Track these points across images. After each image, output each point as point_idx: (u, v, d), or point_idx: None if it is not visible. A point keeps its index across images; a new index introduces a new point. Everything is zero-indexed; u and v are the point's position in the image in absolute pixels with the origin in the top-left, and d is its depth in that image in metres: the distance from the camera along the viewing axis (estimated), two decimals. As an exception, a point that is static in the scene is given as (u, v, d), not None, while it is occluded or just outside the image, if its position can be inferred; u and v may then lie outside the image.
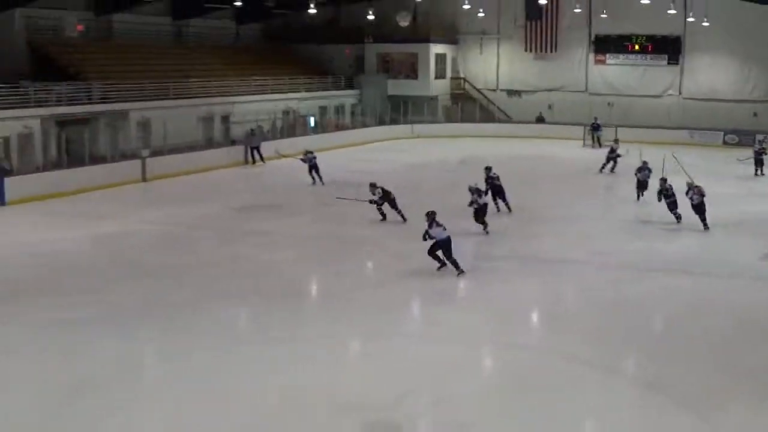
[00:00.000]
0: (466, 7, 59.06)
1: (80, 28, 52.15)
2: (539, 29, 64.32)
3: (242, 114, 54.61)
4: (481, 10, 61.58)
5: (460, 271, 24.83)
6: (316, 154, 42.87)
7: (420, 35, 65.35)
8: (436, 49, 66.37)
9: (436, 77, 66.60)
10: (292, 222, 32.56)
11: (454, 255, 24.65)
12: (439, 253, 24.74)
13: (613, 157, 44.59)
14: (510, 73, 66.89)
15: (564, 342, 19.64)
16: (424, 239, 24.71)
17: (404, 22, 63.64)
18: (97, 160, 42.85)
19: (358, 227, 31.89)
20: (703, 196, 29.72)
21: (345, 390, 16.39)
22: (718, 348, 19.31)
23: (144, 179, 43.13)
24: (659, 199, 31.20)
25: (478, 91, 67.37)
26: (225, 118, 54.50)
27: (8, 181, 36.75)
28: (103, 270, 26.43)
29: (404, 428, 15.03)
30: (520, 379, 17.36)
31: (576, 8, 61.16)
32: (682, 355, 18.76)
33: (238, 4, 55.80)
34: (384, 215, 31.81)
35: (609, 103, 62.30)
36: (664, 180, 31.26)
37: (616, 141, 46.62)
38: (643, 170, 35.60)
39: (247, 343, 19.80)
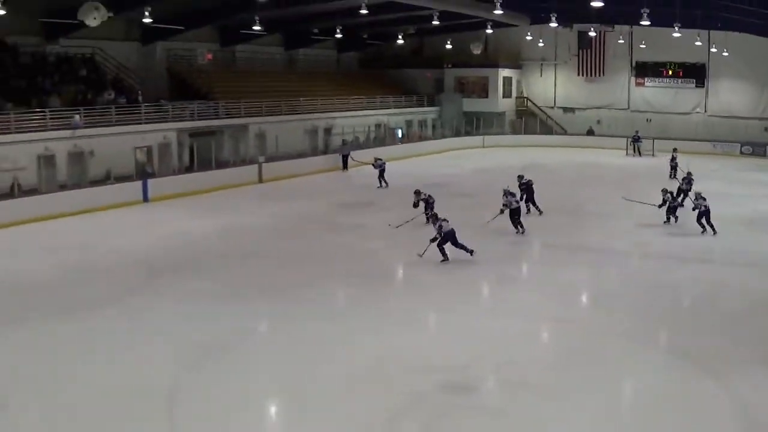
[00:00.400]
0: (529, 38, 61.36)
1: (209, 57, 53.80)
2: (589, 57, 64.18)
3: (341, 127, 55.34)
4: (541, 41, 62.30)
5: (471, 252, 25.05)
6: (385, 160, 42.83)
7: (490, 61, 65.54)
8: (504, 73, 66.65)
9: (504, 96, 66.81)
10: (382, 216, 32.05)
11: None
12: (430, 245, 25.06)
13: (673, 165, 44.16)
14: (565, 93, 67.02)
15: (607, 317, 20.04)
16: (436, 239, 24.94)
17: (477, 50, 64.01)
18: (221, 164, 43.66)
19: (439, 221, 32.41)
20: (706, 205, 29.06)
21: (425, 354, 16.92)
22: (736, 324, 19.44)
23: (260, 181, 44.06)
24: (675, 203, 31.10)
25: (539, 108, 67.47)
26: (327, 131, 55.10)
27: (151, 182, 37.98)
28: (226, 254, 27.35)
29: (473, 386, 15.40)
30: (570, 347, 17.83)
31: (620, 40, 62.34)
32: (706, 329, 19.04)
33: (339, 36, 56.44)
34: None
35: (647, 119, 62.53)
36: (666, 190, 30.92)
37: (675, 150, 46.19)
38: (688, 180, 34.38)
39: (345, 315, 20.53)
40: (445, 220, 25.46)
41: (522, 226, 29.62)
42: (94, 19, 36.94)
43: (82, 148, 38.47)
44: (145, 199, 37.46)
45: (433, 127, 65.74)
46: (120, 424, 13.88)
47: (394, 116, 62.41)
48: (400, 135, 62.44)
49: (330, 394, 15.05)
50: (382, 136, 60.14)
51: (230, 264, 25.94)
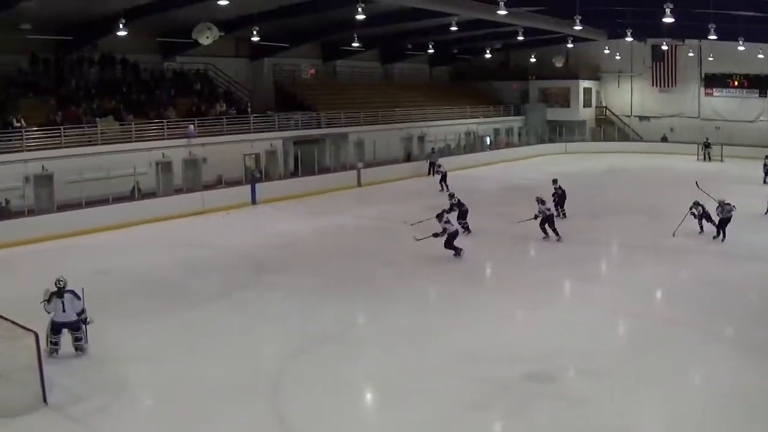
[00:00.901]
0: (607, 51, 60.57)
1: (312, 71, 54.13)
2: (662, 69, 62.84)
3: (434, 135, 54.90)
4: (618, 54, 61.14)
5: (460, 253, 25.42)
6: (445, 168, 43.00)
7: (571, 73, 64.74)
8: (584, 84, 65.66)
9: (584, 106, 65.83)
10: (471, 219, 30.82)
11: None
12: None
13: (766, 171, 43.37)
14: (640, 103, 65.54)
15: (682, 312, 19.50)
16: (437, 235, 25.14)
17: (559, 63, 63.25)
18: (323, 170, 43.77)
19: (523, 224, 31.57)
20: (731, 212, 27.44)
21: (510, 346, 16.78)
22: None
23: (359, 185, 44.07)
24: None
25: (616, 116, 66.19)
26: (421, 139, 54.72)
27: (258, 186, 38.26)
28: (328, 252, 27.58)
29: (555, 376, 15.22)
30: (647, 340, 17.44)
31: (690, 53, 60.75)
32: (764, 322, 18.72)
33: (431, 51, 56.18)
34: (465, 228, 29.15)
35: (716, 127, 60.69)
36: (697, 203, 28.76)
37: (767, 157, 44.93)
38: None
39: (436, 310, 20.55)
40: (448, 221, 25.88)
41: (556, 233, 28.52)
42: (207, 38, 37.26)
43: (196, 155, 39.03)
44: (254, 201, 37.85)
45: (519, 134, 64.93)
46: (229, 406, 14.14)
47: (482, 125, 61.72)
48: (488, 142, 61.82)
49: (422, 383, 14.97)
50: (472, 144, 59.50)
51: (331, 262, 25.97)
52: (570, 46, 58.81)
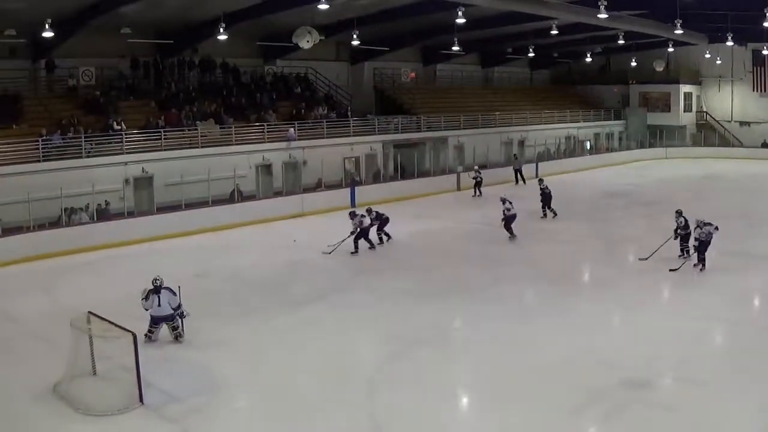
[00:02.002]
0: (707, 56, 58.34)
1: (412, 75, 53.95)
2: (763, 73, 60.72)
3: (534, 139, 53.98)
4: (718, 59, 59.20)
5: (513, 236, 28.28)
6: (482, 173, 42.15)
7: (672, 78, 63.14)
8: (685, 89, 63.79)
9: (684, 111, 64.01)
10: (569, 224, 31.99)
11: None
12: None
13: None
14: (741, 108, 63.29)
15: None
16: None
17: (659, 67, 61.68)
18: (423, 174, 43.26)
19: (625, 227, 31.47)
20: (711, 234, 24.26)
21: (606, 352, 16.41)
22: None
23: (458, 189, 43.50)
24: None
25: (717, 121, 64.23)
26: (521, 143, 53.94)
27: (358, 189, 37.98)
28: (425, 255, 27.28)
29: (651, 383, 14.82)
30: (744, 348, 16.87)
31: (791, 57, 58.78)
32: None
33: (531, 55, 55.54)
34: (382, 239, 28.80)
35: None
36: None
37: None
38: None
39: (533, 315, 19.90)
40: (364, 215, 27.62)
41: (511, 232, 29.48)
42: (307, 42, 37.06)
43: (296, 158, 39.15)
44: (353, 204, 37.02)
45: (619, 139, 63.96)
46: (324, 408, 14.12)
47: (582, 129, 60.83)
48: (588, 147, 61.00)
49: (518, 388, 14.78)
50: (572, 148, 58.66)
51: (429, 265, 25.63)
52: (671, 50, 57.51)
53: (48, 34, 30.23)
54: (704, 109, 65.64)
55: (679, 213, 25.45)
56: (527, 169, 48.15)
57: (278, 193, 36.37)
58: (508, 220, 29.58)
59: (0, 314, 20.53)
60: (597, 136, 62.52)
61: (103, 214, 30.11)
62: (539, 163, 50.26)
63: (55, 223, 28.72)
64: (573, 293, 21.83)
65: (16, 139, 30.52)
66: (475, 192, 40.99)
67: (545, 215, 33.91)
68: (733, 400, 13.95)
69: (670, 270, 23.60)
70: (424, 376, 15.46)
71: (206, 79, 41.41)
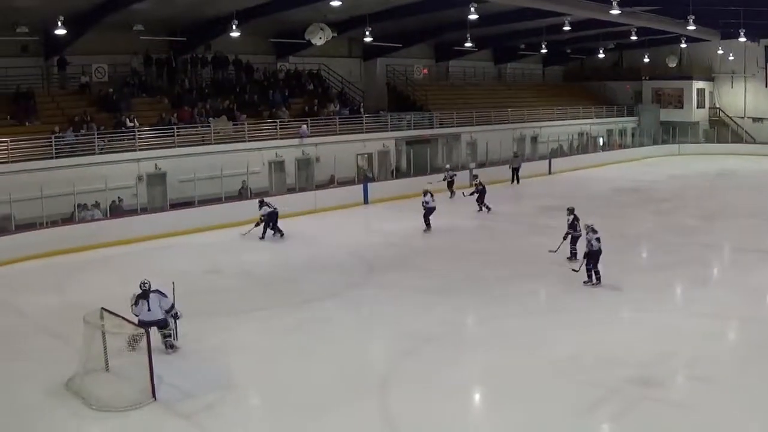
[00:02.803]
0: (720, 52, 58.34)
1: (425, 72, 53.79)
2: None
3: (547, 135, 54.00)
4: (731, 55, 58.83)
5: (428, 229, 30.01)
6: (455, 172, 40.72)
7: (684, 74, 62.73)
8: (697, 85, 63.42)
9: (697, 107, 63.66)
10: (584, 220, 31.62)
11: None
12: None
13: None
14: (754, 104, 62.77)
15: None
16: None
17: (672, 63, 61.59)
18: (435, 170, 42.79)
19: (636, 224, 31.32)
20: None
21: (619, 349, 16.24)
22: None
23: (470, 185, 43.06)
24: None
25: (730, 118, 63.92)
26: (534, 139, 53.92)
27: (371, 186, 38.21)
28: (437, 252, 27.28)
29: (663, 381, 14.70)
30: (758, 346, 16.68)
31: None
32: None
33: (544, 51, 55.21)
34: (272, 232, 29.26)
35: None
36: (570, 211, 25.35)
37: None
38: None
39: (543, 312, 19.99)
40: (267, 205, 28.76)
41: (428, 224, 30.71)
42: (320, 38, 37.13)
43: (309, 154, 39.06)
44: (366, 201, 37.80)
45: (632, 135, 63.67)
46: (337, 405, 14.10)
47: (595, 125, 60.51)
48: (601, 143, 60.77)
49: (528, 386, 14.72)
50: (585, 144, 58.41)
51: (441, 262, 25.61)
52: (683, 46, 57.32)
53: (61, 31, 30.13)
54: (717, 106, 65.35)
55: (569, 211, 24.96)
56: (540, 166, 48.16)
57: (291, 190, 36.39)
58: (427, 213, 30.50)
59: (13, 310, 20.60)
60: (610, 132, 62.32)
61: (115, 211, 30.13)
62: (552, 160, 50.34)
63: (67, 220, 28.86)
64: (584, 290, 21.63)
65: (29, 136, 30.52)
66: (451, 193, 39.29)
67: (481, 209, 34.70)
68: (744, 398, 13.88)
69: (550, 251, 24.15)
70: (436, 374, 15.40)
71: (219, 76, 41.38)
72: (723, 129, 63.33)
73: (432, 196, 30.86)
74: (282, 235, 29.18)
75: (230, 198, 33.10)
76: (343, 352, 16.82)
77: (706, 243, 27.69)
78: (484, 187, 35.01)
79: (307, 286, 22.31)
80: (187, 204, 31.52)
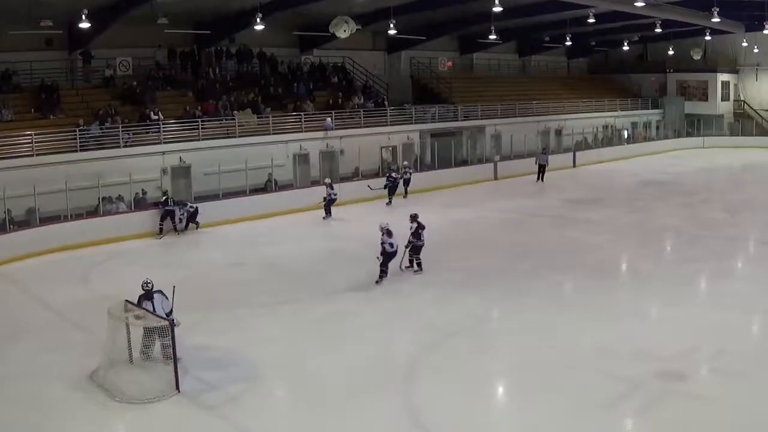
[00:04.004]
0: (744, 44, 57.43)
1: (449, 64, 53.52)
2: None
3: (571, 128, 53.39)
4: (756, 47, 58.14)
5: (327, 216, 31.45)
6: (411, 171, 38.11)
7: (709, 66, 62.33)
8: (722, 77, 62.84)
9: (722, 100, 63.11)
10: (610, 213, 31.84)
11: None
12: None
13: None
14: (779, 97, 62.97)
15: None
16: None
17: (697, 56, 61.10)
18: (459, 163, 43.31)
19: (661, 217, 31.07)
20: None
21: (642, 342, 16.08)
22: None
23: (495, 178, 43.44)
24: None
25: (755, 110, 63.43)
26: (558, 132, 53.60)
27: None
28: (462, 245, 27.09)
29: (688, 375, 14.52)
30: None
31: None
32: None
33: (569, 43, 54.90)
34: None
35: None
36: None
37: None
38: None
39: (569, 305, 19.71)
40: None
41: (328, 211, 31.80)
42: (344, 31, 36.91)
43: (333, 147, 38.95)
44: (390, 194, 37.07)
45: (657, 128, 63.29)
46: (360, 395, 14.16)
47: (620, 118, 60.08)
48: (626, 135, 60.35)
49: (553, 379, 14.59)
50: (609, 137, 58.01)
51: (466, 254, 25.37)
52: (708, 38, 56.88)
53: (85, 25, 30.06)
54: (741, 98, 64.77)
55: (413, 218, 22.99)
56: (565, 159, 47.87)
57: (315, 182, 36.10)
58: (328, 203, 31.52)
59: (38, 303, 20.64)
60: (634, 125, 61.90)
61: (139, 204, 30.11)
62: (576, 152, 50.05)
63: (92, 213, 28.84)
64: (610, 284, 21.60)
65: (53, 129, 30.58)
66: (405, 193, 37.24)
67: (390, 202, 34.91)
68: (768, 393, 13.78)
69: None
70: (460, 367, 15.34)
71: (243, 69, 41.36)
72: (747, 122, 62.59)
73: (332, 187, 31.78)
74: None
75: (255, 191, 33.07)
76: (367, 345, 16.74)
77: (731, 236, 27.38)
78: (395, 181, 35.37)
79: (331, 278, 22.12)
80: (211, 197, 31.46)
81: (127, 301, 15.40)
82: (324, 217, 31.48)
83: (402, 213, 26.32)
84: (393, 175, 35.77)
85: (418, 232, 22.35)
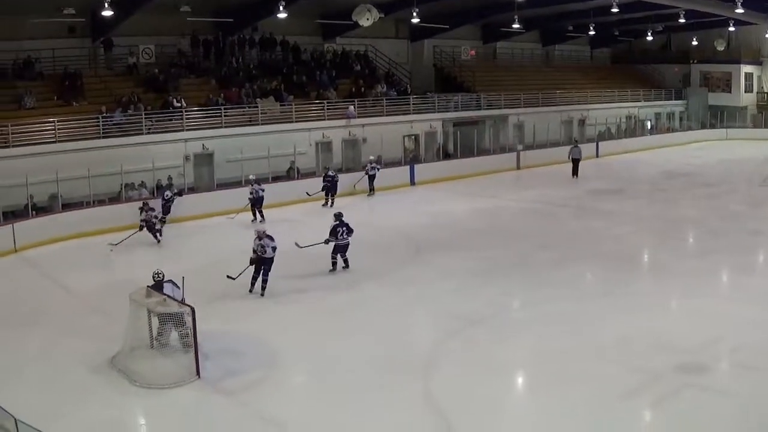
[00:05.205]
0: (768, 35, 56.54)
1: (472, 53, 52.91)
2: None
3: (594, 118, 53.04)
4: (780, 39, 58.06)
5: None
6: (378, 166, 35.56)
7: (733, 57, 61.32)
8: (745, 69, 61.73)
9: (745, 91, 62.10)
10: (632, 204, 31.66)
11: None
12: None
13: None
14: (802, 89, 61.92)
15: None
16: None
17: (721, 47, 60.35)
18: (482, 152, 42.98)
19: (684, 209, 30.88)
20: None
21: (663, 334, 15.94)
22: None
23: (518, 167, 43.22)
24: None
25: (778, 103, 63.06)
26: (581, 122, 53.15)
27: (418, 167, 38.15)
28: (484, 234, 27.08)
29: (708, 368, 14.38)
30: None
31: None
32: None
33: (592, 33, 54.57)
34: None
35: None
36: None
37: None
38: None
39: (591, 296, 19.52)
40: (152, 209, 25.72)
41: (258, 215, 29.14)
42: (367, 19, 36.65)
43: (356, 135, 38.85)
44: (412, 182, 37.68)
45: (680, 119, 62.61)
46: (380, 381, 14.12)
47: (643, 108, 59.49)
48: (649, 126, 59.77)
49: (573, 369, 14.47)
50: (633, 128, 57.48)
51: (488, 243, 25.37)
52: (731, 29, 55.95)
53: (107, 12, 29.88)
54: (765, 90, 63.95)
55: (336, 217, 21.89)
56: (588, 149, 47.35)
57: (338, 171, 35.79)
58: (257, 202, 28.92)
59: (60, 288, 20.70)
60: (658, 115, 61.27)
61: (162, 190, 30.02)
62: (599, 143, 49.62)
63: (114, 199, 28.89)
64: (631, 275, 21.37)
65: (76, 116, 30.56)
66: (371, 189, 35.00)
67: (330, 203, 31.58)
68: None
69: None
70: (481, 355, 15.32)
71: (266, 57, 41.19)
72: (771, 114, 62.03)
73: (259, 184, 29.03)
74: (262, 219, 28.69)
75: (278, 178, 33.05)
76: (388, 333, 16.70)
77: (753, 229, 26.96)
78: (332, 180, 32.25)
79: (353, 266, 21.90)
80: (234, 184, 31.37)
81: (149, 286, 15.32)
82: (252, 220, 28.73)
83: (362, 210, 26.94)
84: (330, 173, 32.98)
85: (336, 230, 21.40)
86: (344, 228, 21.39)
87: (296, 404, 13.46)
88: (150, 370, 14.31)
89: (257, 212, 29.21)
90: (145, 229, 25.30)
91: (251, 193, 29.12)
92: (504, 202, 32.98)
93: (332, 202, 31.59)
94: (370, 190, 34.79)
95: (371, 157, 35.89)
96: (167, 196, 28.01)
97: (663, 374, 13.96)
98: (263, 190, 29.16)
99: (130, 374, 14.16)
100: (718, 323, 16.77)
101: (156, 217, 25.73)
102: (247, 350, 15.65)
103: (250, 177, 29.67)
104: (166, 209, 27.90)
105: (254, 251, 19.40)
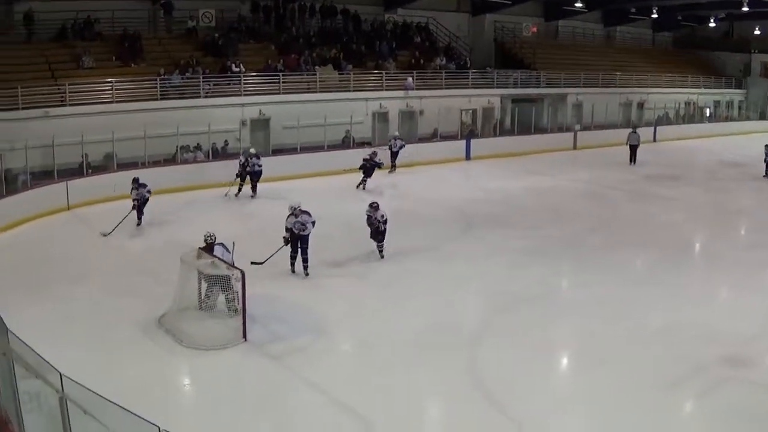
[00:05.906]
0: (828, 26, 55.24)
1: (534, 30, 52.13)
2: None
3: (653, 102, 52.27)
4: (838, 29, 56.64)
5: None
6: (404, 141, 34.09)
7: (792, 48, 60.45)
8: (804, 60, 61.12)
9: (804, 83, 61.35)
10: (687, 191, 30.97)
11: None
12: None
13: None
14: None
15: None
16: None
17: (782, 38, 59.61)
18: (539, 130, 42.59)
19: (738, 199, 30.27)
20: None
21: (709, 325, 15.55)
22: None
23: (574, 148, 42.78)
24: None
25: (836, 94, 61.52)
26: (640, 105, 52.35)
27: (474, 142, 37.88)
28: (537, 212, 26.74)
29: (753, 361, 13.97)
30: None
31: None
32: None
33: (655, 16, 53.72)
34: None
35: None
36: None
37: None
38: None
39: (639, 281, 19.15)
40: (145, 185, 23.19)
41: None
42: (430, -9, 36.30)
43: (413, 107, 38.62)
44: (468, 157, 37.46)
45: (739, 108, 61.35)
46: (424, 355, 14.01)
47: (702, 95, 58.27)
48: (707, 114, 58.65)
49: (616, 354, 14.26)
50: (691, 114, 56.48)
51: (540, 222, 25.10)
52: (792, 19, 54.59)
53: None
54: (823, 82, 62.71)
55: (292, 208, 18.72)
56: (645, 133, 46.46)
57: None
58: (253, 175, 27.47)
59: (113, 247, 20.84)
60: (717, 103, 60.09)
61: (218, 153, 29.98)
62: (657, 127, 48.90)
63: (170, 160, 28.97)
64: (682, 263, 20.85)
65: (134, 77, 30.65)
66: (393, 166, 33.47)
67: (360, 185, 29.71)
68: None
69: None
70: (526, 334, 15.13)
71: (326, 25, 40.95)
72: (829, 106, 60.61)
73: (260, 158, 27.52)
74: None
75: (333, 146, 32.95)
76: (435, 306, 16.57)
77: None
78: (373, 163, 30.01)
79: (403, 238, 21.43)
80: (289, 150, 31.47)
81: (200, 248, 15.29)
82: (236, 194, 27.58)
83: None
84: (398, 141, 33.01)
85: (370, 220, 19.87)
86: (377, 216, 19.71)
87: (340, 372, 13.39)
88: (197, 331, 14.35)
89: (253, 187, 27.84)
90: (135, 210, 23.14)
91: (246, 166, 27.44)
92: (558, 182, 32.57)
93: (364, 185, 29.69)
94: (392, 167, 33.24)
95: (395, 133, 34.79)
96: (242, 161, 27.47)
97: (708, 365, 13.64)
98: (261, 165, 27.71)
99: (177, 334, 14.19)
100: (765, 317, 16.43)
101: (149, 191, 23.23)
102: (294, 317, 15.62)
103: (250, 150, 28.17)
104: (244, 176, 27.43)
105: (288, 230, 18.07)
